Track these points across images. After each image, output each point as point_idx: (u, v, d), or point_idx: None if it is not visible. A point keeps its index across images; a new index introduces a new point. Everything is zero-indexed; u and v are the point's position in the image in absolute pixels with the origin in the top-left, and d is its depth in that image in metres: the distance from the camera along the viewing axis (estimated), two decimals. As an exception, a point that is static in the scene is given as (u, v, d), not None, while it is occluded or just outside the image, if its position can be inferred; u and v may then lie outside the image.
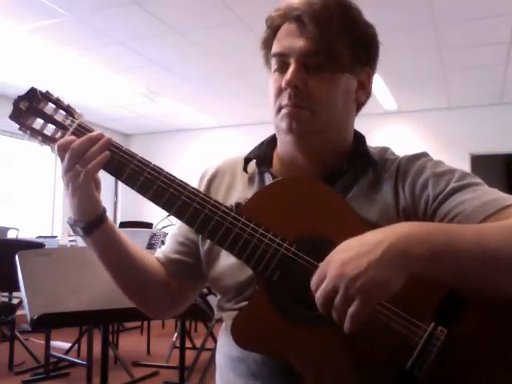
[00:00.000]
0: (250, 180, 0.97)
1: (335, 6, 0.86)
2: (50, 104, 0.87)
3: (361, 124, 1.00)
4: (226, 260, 0.90)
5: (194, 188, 0.83)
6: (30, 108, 0.86)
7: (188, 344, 3.79)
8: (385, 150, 0.96)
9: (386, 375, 0.76)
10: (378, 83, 5.27)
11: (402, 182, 0.88)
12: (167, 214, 0.87)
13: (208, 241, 0.94)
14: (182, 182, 0.84)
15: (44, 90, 0.87)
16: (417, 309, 0.74)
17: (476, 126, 6.29)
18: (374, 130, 5.96)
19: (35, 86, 0.87)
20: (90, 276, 1.57)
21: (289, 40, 0.87)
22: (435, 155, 0.92)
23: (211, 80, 5.52)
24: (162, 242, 3.75)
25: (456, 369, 0.75)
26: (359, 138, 0.96)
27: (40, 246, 3.56)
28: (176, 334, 4.02)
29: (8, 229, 5.04)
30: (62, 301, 1.51)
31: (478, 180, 0.85)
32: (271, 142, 0.99)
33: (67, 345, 4.09)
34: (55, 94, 0.88)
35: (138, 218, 6.68)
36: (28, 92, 0.86)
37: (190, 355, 3.52)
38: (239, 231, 0.80)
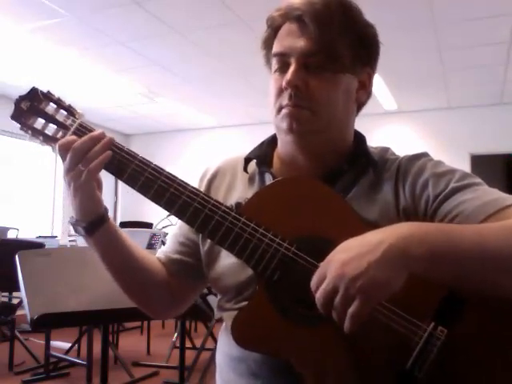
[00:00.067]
0: (251, 180, 0.97)
1: (336, 6, 0.86)
2: (52, 104, 0.87)
3: (361, 124, 1.00)
4: (227, 260, 0.90)
5: (194, 188, 0.84)
6: (32, 108, 0.86)
7: (188, 344, 3.79)
8: (385, 150, 0.96)
9: (386, 375, 0.77)
10: (378, 83, 5.27)
11: (402, 182, 0.88)
12: (167, 213, 0.87)
13: (208, 241, 0.94)
14: (183, 181, 0.84)
15: (45, 90, 0.87)
16: (417, 309, 0.74)
17: (476, 126, 6.29)
18: (374, 129, 5.96)
19: (36, 86, 0.87)
20: (90, 276, 1.57)
21: (289, 40, 0.87)
22: (435, 155, 0.92)
23: (211, 80, 5.52)
24: (162, 242, 3.75)
25: (456, 369, 0.75)
26: (359, 138, 0.96)
27: (40, 246, 3.56)
28: (176, 334, 4.02)
29: (8, 229, 5.04)
30: (62, 301, 1.51)
31: (479, 180, 0.85)
32: (271, 141, 0.99)
33: (67, 345, 4.09)
34: (55, 94, 0.89)
35: (138, 218, 6.69)
36: (29, 92, 0.86)
37: (190, 355, 3.52)
38: (239, 231, 0.80)
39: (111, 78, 5.48)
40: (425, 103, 6.35)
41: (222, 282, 0.92)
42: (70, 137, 0.83)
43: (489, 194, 0.81)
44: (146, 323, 4.82)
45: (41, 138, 0.86)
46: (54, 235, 6.18)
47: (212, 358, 3.26)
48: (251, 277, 0.84)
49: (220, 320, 0.97)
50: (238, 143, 7.13)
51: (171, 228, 4.86)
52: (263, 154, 0.98)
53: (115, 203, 7.96)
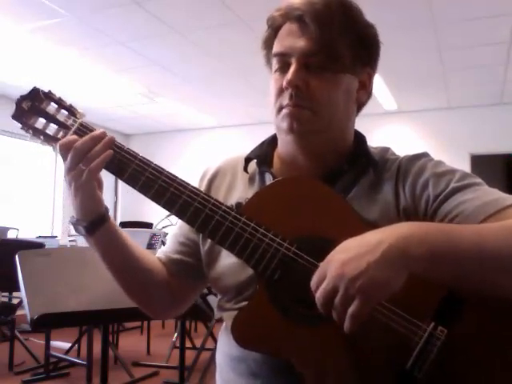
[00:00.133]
0: (251, 180, 0.97)
1: (336, 6, 0.86)
2: (53, 104, 0.87)
3: (361, 124, 1.00)
4: (227, 260, 0.90)
5: (194, 187, 0.84)
6: (33, 108, 0.86)
7: (188, 344, 3.79)
8: (385, 150, 0.96)
9: (386, 375, 0.77)
10: (378, 83, 5.27)
11: (402, 182, 0.88)
12: (167, 213, 0.87)
13: (209, 241, 0.94)
14: (183, 181, 0.84)
15: (46, 90, 0.88)
16: (417, 309, 0.74)
17: (476, 126, 6.29)
18: (374, 129, 5.96)
19: (37, 86, 0.87)
20: (90, 276, 1.57)
21: (290, 40, 0.87)
22: (435, 155, 0.92)
23: (211, 80, 5.52)
24: (162, 242, 3.75)
25: (455, 369, 0.75)
26: (360, 138, 0.96)
27: (40, 246, 3.56)
28: (176, 334, 4.02)
29: (8, 229, 5.04)
30: (62, 301, 1.51)
31: (479, 180, 0.86)
32: (272, 141, 0.99)
33: (67, 345, 4.09)
34: (56, 94, 0.89)
35: (138, 217, 6.69)
36: (30, 92, 0.86)
37: (190, 355, 3.52)
38: (240, 231, 0.80)
39: (111, 78, 5.48)
40: (425, 103, 6.35)
41: (222, 282, 0.92)
42: (71, 136, 0.83)
43: (489, 194, 0.81)
44: (146, 323, 4.82)
45: (42, 137, 0.86)
46: (54, 235, 6.18)
47: (212, 358, 3.26)
48: (251, 277, 0.84)
49: (220, 320, 0.97)
50: (238, 143, 7.14)
51: (171, 228, 4.86)
52: (263, 153, 0.98)
53: (115, 203, 7.96)
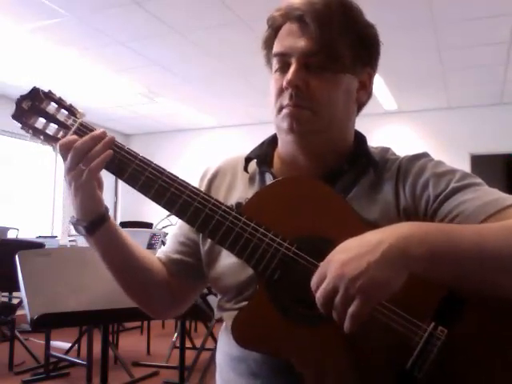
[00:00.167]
0: (251, 180, 0.97)
1: (336, 6, 0.86)
2: (53, 103, 0.87)
3: (361, 124, 1.00)
4: (227, 260, 0.90)
5: (194, 187, 0.84)
6: (33, 107, 0.86)
7: (188, 344, 3.79)
8: (386, 150, 0.96)
9: (386, 375, 0.77)
10: (378, 83, 5.27)
11: (402, 182, 0.88)
12: (167, 213, 0.87)
13: (209, 241, 0.94)
14: (183, 181, 0.84)
15: (46, 90, 0.88)
16: (417, 309, 0.74)
17: (476, 126, 6.29)
18: (374, 130, 5.96)
19: (37, 86, 0.87)
20: (90, 276, 1.57)
21: (290, 40, 0.87)
22: (435, 155, 0.92)
23: (211, 80, 5.52)
24: (162, 242, 3.75)
25: (456, 369, 0.75)
26: (360, 138, 0.96)
27: (40, 246, 3.56)
28: (176, 334, 4.02)
29: (8, 229, 5.04)
30: (62, 301, 1.51)
31: (479, 180, 0.86)
32: (272, 141, 0.99)
33: (67, 345, 4.09)
34: (56, 93, 0.89)
35: (138, 218, 6.69)
36: (30, 91, 0.86)
37: (190, 355, 3.52)
38: (240, 230, 0.80)
39: (111, 78, 5.48)
40: (425, 103, 6.35)
41: (222, 282, 0.92)
42: (71, 136, 0.83)
43: (489, 194, 0.81)
44: (146, 323, 4.82)
45: (42, 137, 0.86)
46: (54, 235, 6.18)
47: (212, 358, 3.26)
48: (251, 276, 0.84)
49: (220, 320, 0.97)
50: (238, 143, 7.13)
51: (171, 228, 4.85)
52: (263, 153, 0.98)
53: (115, 203, 7.96)
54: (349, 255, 0.68)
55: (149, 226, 6.10)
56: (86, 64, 5.04)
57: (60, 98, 0.88)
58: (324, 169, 0.91)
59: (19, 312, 3.78)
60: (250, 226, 0.80)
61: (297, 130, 0.87)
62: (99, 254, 0.89)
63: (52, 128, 0.86)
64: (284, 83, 0.85)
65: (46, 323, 1.51)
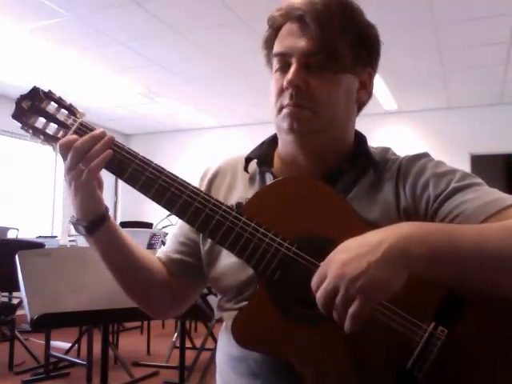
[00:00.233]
0: (251, 180, 0.97)
1: (337, 6, 0.86)
2: (53, 103, 0.87)
3: (361, 124, 1.00)
4: (227, 260, 0.90)
5: (195, 187, 0.84)
6: (33, 107, 0.86)
7: (188, 344, 3.79)
8: (386, 150, 0.96)
9: (386, 375, 0.77)
10: (378, 83, 5.27)
11: (402, 182, 0.88)
12: (167, 213, 0.87)
13: (209, 240, 0.94)
14: (184, 181, 0.84)
15: (46, 90, 0.88)
16: (417, 309, 0.74)
17: (476, 126, 6.29)
18: (374, 129, 5.96)
19: (37, 86, 0.87)
20: (90, 276, 1.57)
21: (290, 40, 0.87)
22: (435, 155, 0.92)
23: (211, 80, 5.52)
24: (162, 242, 3.75)
25: (456, 369, 0.75)
26: (360, 138, 0.96)
27: (40, 246, 3.56)
28: (176, 334, 4.02)
29: (8, 229, 5.04)
30: (62, 301, 1.51)
31: (479, 180, 0.86)
32: (272, 141, 0.99)
33: (67, 345, 4.09)
34: (56, 93, 0.89)
35: (138, 218, 6.69)
36: (30, 91, 0.86)
37: (190, 355, 3.52)
38: (240, 230, 0.80)
39: (111, 78, 5.48)
40: (425, 103, 6.35)
41: (222, 282, 0.92)
42: (70, 136, 0.83)
43: (489, 194, 0.81)
44: (146, 323, 4.82)
45: (42, 137, 0.86)
46: (54, 235, 6.18)
47: (212, 358, 3.26)
48: (251, 276, 0.84)
49: (220, 320, 0.97)
50: (238, 143, 7.14)
51: (171, 228, 4.85)
52: (264, 153, 0.98)
53: (115, 203, 7.96)
54: (349, 255, 0.68)
55: (149, 226, 6.10)
56: (85, 64, 5.04)
57: (60, 98, 0.88)
58: (324, 169, 0.91)
59: (19, 312, 3.78)
60: (251, 226, 0.80)
61: (297, 130, 0.87)
62: (99, 254, 0.89)
63: (52, 128, 0.86)
64: (284, 83, 0.85)
65: (46, 323, 1.51)
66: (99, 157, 0.81)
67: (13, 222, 5.55)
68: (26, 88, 0.87)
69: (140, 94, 5.99)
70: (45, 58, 4.92)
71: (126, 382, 3.44)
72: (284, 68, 0.88)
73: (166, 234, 3.88)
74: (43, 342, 3.68)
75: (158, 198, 0.83)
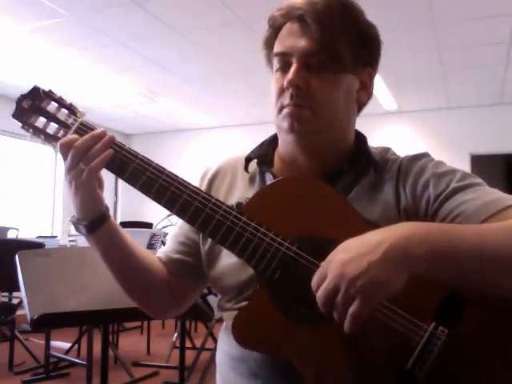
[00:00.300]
0: (251, 180, 0.97)
1: (337, 6, 0.86)
2: (53, 103, 0.87)
3: (361, 124, 1.00)
4: (227, 259, 0.90)
5: (195, 187, 0.84)
6: (33, 106, 0.86)
7: (188, 344, 3.79)
8: (386, 150, 0.96)
9: (387, 375, 0.76)
10: (378, 83, 5.27)
11: (403, 182, 0.88)
12: (167, 213, 0.87)
13: (209, 240, 0.94)
14: (184, 180, 0.84)
15: (47, 89, 0.88)
16: (418, 309, 0.74)
17: (476, 126, 6.29)
18: (374, 130, 5.96)
19: (38, 85, 0.87)
20: (90, 276, 1.57)
21: (291, 40, 0.87)
22: (435, 155, 0.92)
23: (211, 80, 5.52)
24: (162, 242, 3.75)
25: (456, 369, 0.75)
26: (360, 139, 0.96)
27: (40, 246, 3.56)
28: (176, 334, 4.02)
29: (8, 229, 5.04)
30: (62, 301, 1.51)
31: (479, 180, 0.86)
32: (272, 141, 0.99)
33: (67, 345, 4.09)
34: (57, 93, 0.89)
35: (138, 217, 6.69)
36: (31, 91, 0.86)
37: (190, 355, 3.52)
38: (240, 230, 0.80)
39: (111, 78, 5.48)
40: (425, 103, 6.35)
41: (222, 282, 0.92)
42: (71, 135, 0.83)
43: (490, 195, 0.81)
44: (146, 323, 4.82)
45: (42, 136, 0.87)
46: (54, 235, 6.18)
47: (212, 358, 3.26)
48: (252, 276, 0.84)
49: (220, 320, 0.97)
50: (238, 143, 7.13)
51: (171, 228, 4.85)
52: (264, 153, 0.98)
53: (115, 203, 7.96)
54: (349, 255, 0.68)
55: (149, 226, 6.10)
56: (86, 64, 5.04)
57: (60, 98, 0.88)
58: (324, 169, 0.91)
59: (19, 312, 3.78)
60: (251, 226, 0.80)
61: (297, 130, 0.87)
62: (99, 254, 0.89)
63: (52, 127, 0.86)
64: (285, 83, 0.85)
65: (46, 323, 1.51)
66: (100, 156, 0.81)
67: (13, 222, 5.55)
68: (26, 88, 0.87)
69: (140, 94, 5.99)
70: (45, 58, 4.92)
71: (126, 382, 3.44)
72: (284, 68, 0.88)
73: (165, 234, 3.88)
74: (43, 342, 3.68)
75: (158, 197, 0.83)
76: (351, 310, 0.67)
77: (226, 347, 0.93)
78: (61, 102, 0.87)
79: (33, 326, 1.41)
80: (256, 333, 0.80)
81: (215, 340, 3.45)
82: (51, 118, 0.86)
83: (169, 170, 0.84)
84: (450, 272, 0.71)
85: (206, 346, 3.66)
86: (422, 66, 5.04)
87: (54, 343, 3.96)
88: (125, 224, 5.94)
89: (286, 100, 0.86)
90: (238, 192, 0.96)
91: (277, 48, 0.90)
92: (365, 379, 0.78)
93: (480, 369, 0.75)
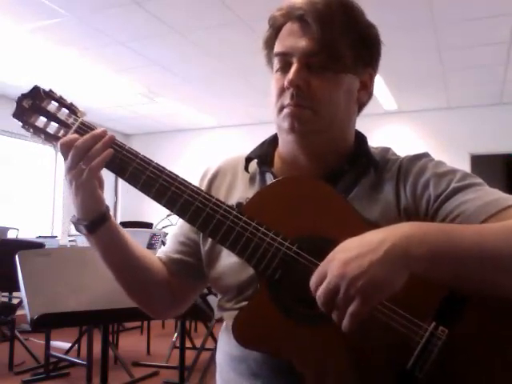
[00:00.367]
0: (251, 180, 0.97)
1: (338, 6, 0.86)
2: (53, 102, 0.87)
3: (361, 124, 1.00)
4: (227, 259, 0.90)
5: (195, 187, 0.84)
6: (33, 106, 0.86)
7: (188, 344, 3.79)
8: (386, 150, 0.96)
9: (387, 375, 0.76)
10: (378, 83, 5.27)
11: (403, 182, 0.88)
12: (167, 213, 0.87)
13: (209, 240, 0.94)
14: (184, 180, 0.84)
15: (47, 89, 0.87)
16: (418, 309, 0.74)
17: (476, 126, 6.30)
18: (374, 130, 5.96)
19: (38, 85, 0.87)
20: (90, 276, 1.57)
21: (291, 40, 0.87)
22: (435, 155, 0.92)
23: (211, 80, 5.52)
24: (162, 242, 3.75)
25: (456, 369, 0.75)
26: (361, 139, 0.96)
27: (40, 246, 3.55)
28: (176, 334, 4.02)
29: (8, 229, 5.04)
30: (62, 301, 1.51)
31: (480, 180, 0.86)
32: (272, 141, 0.99)
33: (67, 345, 4.09)
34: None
35: (138, 217, 6.69)
36: (31, 90, 0.86)
37: (190, 355, 3.52)
38: (241, 230, 0.80)
39: (111, 78, 5.48)
40: (425, 103, 6.35)
41: (222, 282, 0.92)
42: (71, 135, 0.83)
43: (490, 195, 0.81)
44: (146, 323, 4.82)
45: (42, 136, 0.86)
46: (54, 235, 6.18)
47: (212, 358, 3.26)
48: (252, 276, 0.84)
49: (220, 320, 0.97)
50: (238, 143, 7.14)
51: (171, 228, 4.85)
52: (264, 153, 0.98)
53: (115, 203, 7.96)
54: (350, 254, 0.68)
55: (149, 225, 6.10)
56: (86, 64, 5.04)
57: (61, 97, 0.88)
58: (325, 169, 0.91)
59: (19, 312, 3.78)
60: (251, 226, 0.80)
61: (298, 130, 0.87)
62: (100, 253, 0.89)
63: (53, 127, 0.86)
64: (285, 83, 0.85)
65: (46, 323, 1.51)
66: (100, 156, 0.81)
67: (13, 222, 5.55)
68: (26, 88, 0.87)
69: (140, 94, 5.99)
70: (45, 58, 4.92)
71: (126, 382, 3.44)
72: (285, 68, 0.88)
73: (165, 234, 3.88)
74: (43, 342, 3.68)
75: (158, 197, 0.83)
76: (351, 309, 0.67)
77: (226, 347, 0.93)
78: (61, 102, 0.87)
79: (33, 326, 1.41)
80: (256, 333, 0.80)
81: (215, 340, 3.45)
82: (52, 117, 0.86)
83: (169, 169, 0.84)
84: (450, 272, 0.71)
85: (206, 346, 3.66)
86: (422, 66, 5.04)
87: (54, 343, 3.96)
88: (125, 224, 5.94)
89: (287, 100, 0.86)
90: (238, 192, 0.96)
91: (277, 48, 0.90)
92: (365, 379, 0.78)
93: (480, 369, 0.75)
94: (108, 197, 7.49)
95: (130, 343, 4.71)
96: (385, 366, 0.77)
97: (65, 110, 0.87)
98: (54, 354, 3.63)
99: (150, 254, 0.98)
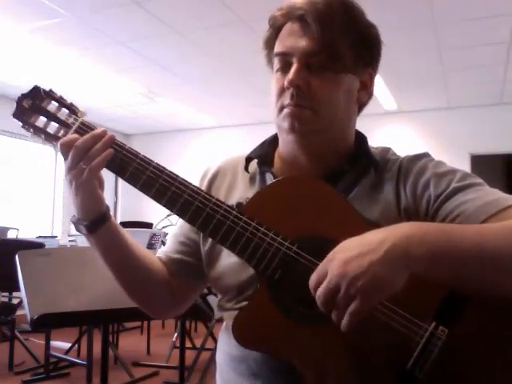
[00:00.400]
0: (251, 180, 0.97)
1: (338, 6, 0.86)
2: (53, 102, 0.87)
3: (361, 124, 1.00)
4: (227, 259, 0.90)
5: (195, 187, 0.84)
6: (33, 106, 0.86)
7: (188, 344, 3.79)
8: (386, 150, 0.96)
9: (387, 375, 0.76)
10: (378, 83, 5.27)
11: (403, 181, 0.88)
12: (167, 213, 0.87)
13: (209, 240, 0.94)
14: (184, 180, 0.84)
15: (47, 89, 0.87)
16: (418, 308, 0.74)
17: (476, 126, 6.30)
18: (374, 130, 5.95)
19: (38, 85, 0.87)
20: (90, 276, 1.57)
21: (291, 40, 0.87)
22: (435, 155, 0.92)
23: (211, 80, 5.52)
24: (162, 242, 3.75)
25: (456, 369, 0.75)
26: (361, 139, 0.96)
27: (40, 246, 3.55)
28: (176, 334, 4.02)
29: (8, 229, 5.04)
30: (62, 301, 1.51)
31: (480, 180, 0.86)
32: (273, 141, 0.99)
33: (67, 345, 4.09)
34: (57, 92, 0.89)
35: (138, 217, 6.69)
36: (31, 90, 0.86)
37: (190, 355, 3.52)
38: (241, 230, 0.80)
39: (111, 78, 5.48)
40: (425, 103, 6.35)
41: (222, 282, 0.92)
42: (71, 135, 0.83)
43: (490, 195, 0.81)
44: (146, 323, 4.82)
45: (42, 136, 0.86)
46: (54, 235, 6.18)
47: (212, 358, 3.26)
48: (252, 276, 0.84)
49: (220, 320, 0.97)
50: (238, 143, 7.14)
51: (171, 228, 4.85)
52: (264, 153, 0.98)
53: (115, 203, 7.96)
54: (350, 254, 0.68)
55: (149, 225, 6.10)
56: (86, 64, 5.04)
57: (61, 97, 0.88)
58: (325, 169, 0.91)
59: (19, 312, 3.78)
60: (251, 226, 0.80)
61: (298, 130, 0.87)
62: (100, 253, 0.89)
63: (53, 127, 0.86)
64: (285, 83, 0.85)
65: (46, 323, 1.51)
66: (100, 156, 0.81)
67: (13, 222, 5.55)
68: (26, 88, 0.87)
69: (140, 94, 5.99)
70: (45, 58, 4.92)
71: (126, 382, 3.44)
72: (285, 68, 0.88)
73: (165, 234, 3.88)
74: (43, 342, 3.68)
75: (158, 197, 0.83)
76: (350, 308, 0.67)
77: (226, 347, 0.93)
78: (61, 102, 0.87)
79: (33, 326, 1.41)
80: (256, 333, 0.80)
81: (215, 340, 3.45)
82: (52, 117, 0.86)
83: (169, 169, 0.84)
84: (450, 272, 0.71)
85: (206, 346, 3.66)
86: (422, 66, 5.04)
87: (54, 343, 3.96)
88: (125, 224, 5.93)
89: (287, 100, 0.86)
90: (239, 192, 0.96)
91: (277, 48, 0.90)
92: (365, 379, 0.78)
93: (480, 369, 0.75)
94: (108, 197, 7.49)
95: (130, 343, 4.71)
96: (385, 366, 0.77)
97: (65, 110, 0.87)
98: (54, 353, 3.63)
99: (150, 254, 0.98)
